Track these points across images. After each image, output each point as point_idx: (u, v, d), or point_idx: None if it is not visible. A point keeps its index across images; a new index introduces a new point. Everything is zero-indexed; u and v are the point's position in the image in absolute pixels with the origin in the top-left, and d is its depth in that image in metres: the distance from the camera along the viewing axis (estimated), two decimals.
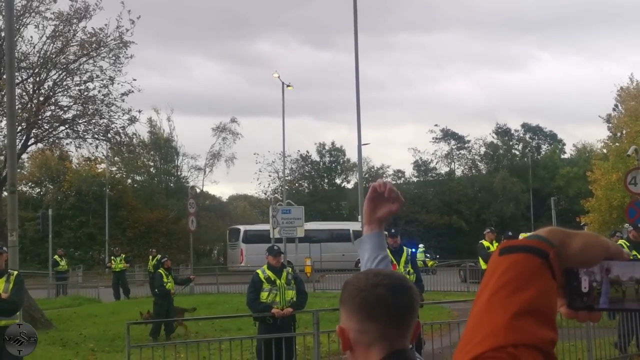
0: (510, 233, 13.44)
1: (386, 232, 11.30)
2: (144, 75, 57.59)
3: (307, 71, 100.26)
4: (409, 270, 11.95)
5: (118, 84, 23.01)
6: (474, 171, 72.20)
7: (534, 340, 1.22)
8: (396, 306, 1.95)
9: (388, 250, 10.75)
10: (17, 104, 17.71)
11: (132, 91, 23.19)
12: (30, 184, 61.18)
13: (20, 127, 20.50)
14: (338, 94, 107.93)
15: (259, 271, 10.92)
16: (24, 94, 22.15)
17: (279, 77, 46.03)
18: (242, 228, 47.38)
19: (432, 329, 12.95)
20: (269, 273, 10.62)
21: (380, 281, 1.97)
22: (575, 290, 1.33)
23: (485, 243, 18.78)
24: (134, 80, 23.32)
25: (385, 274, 2.04)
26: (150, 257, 33.00)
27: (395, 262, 11.50)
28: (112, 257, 32.43)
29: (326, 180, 68.95)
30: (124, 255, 32.24)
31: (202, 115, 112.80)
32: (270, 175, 65.52)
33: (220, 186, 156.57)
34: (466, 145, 71.80)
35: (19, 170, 22.49)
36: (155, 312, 17.71)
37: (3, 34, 19.85)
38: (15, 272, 9.94)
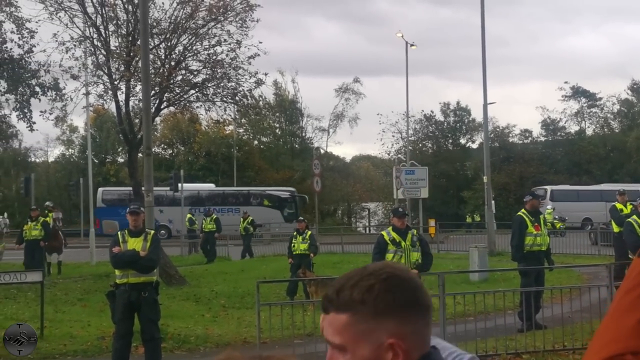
0: None
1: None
2: (264, 37, 58.65)
3: (427, 28, 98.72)
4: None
5: (245, 47, 23.39)
6: (606, 130, 69.23)
7: None
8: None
9: (393, 233, 9.90)
10: (150, 69, 18.35)
11: (258, 54, 23.50)
12: (162, 145, 63.72)
13: (153, 92, 21.26)
14: (459, 51, 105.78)
15: (384, 233, 10.95)
16: (157, 59, 22.89)
17: (402, 36, 45.53)
18: (549, 188, 50.14)
19: (561, 292, 12.64)
20: (394, 235, 10.63)
21: None
22: None
23: (619, 205, 18.08)
24: (260, 43, 23.63)
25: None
26: (242, 219, 31.71)
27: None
28: (203, 218, 31.19)
29: (450, 141, 67.94)
30: (214, 216, 30.94)
31: (324, 76, 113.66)
32: (393, 136, 65.23)
33: (344, 147, 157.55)
34: (598, 102, 68.89)
35: (152, 133, 23.39)
36: (291, 271, 18.16)
37: (137, 1, 20.56)
38: (152, 232, 10.40)
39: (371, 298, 1.59)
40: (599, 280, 15.62)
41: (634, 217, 11.96)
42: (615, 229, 17.81)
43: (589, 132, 69.45)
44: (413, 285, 1.66)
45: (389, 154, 66.33)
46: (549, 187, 50.44)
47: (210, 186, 51.50)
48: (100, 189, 49.68)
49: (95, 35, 22.64)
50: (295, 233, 18.43)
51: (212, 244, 30.05)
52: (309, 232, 18.31)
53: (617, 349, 1.15)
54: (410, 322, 1.63)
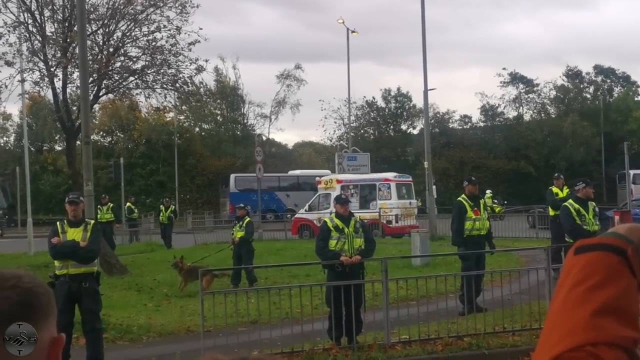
0: (582, 182, 12.76)
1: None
2: (201, 23, 57.80)
3: (365, 13, 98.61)
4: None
5: (185, 33, 23.14)
6: (543, 115, 70.61)
7: (615, 339, 1.19)
8: None
9: (336, 220, 10.14)
10: (88, 55, 17.99)
11: (199, 41, 23.30)
12: (101, 133, 62.60)
13: (91, 78, 20.87)
14: (398, 37, 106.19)
15: (327, 219, 10.99)
16: (95, 45, 22.48)
17: (343, 22, 45.56)
18: (632, 172, 50.50)
19: (501, 275, 12.89)
20: (337, 221, 10.68)
21: None
22: None
23: (554, 189, 18.46)
24: (200, 29, 23.41)
25: None
26: (163, 207, 30.25)
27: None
28: (99, 207, 26.83)
29: (391, 127, 68.49)
30: (111, 205, 28.36)
31: (265, 62, 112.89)
32: (335, 122, 65.59)
33: (286, 134, 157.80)
34: (535, 88, 70.20)
35: (91, 121, 22.96)
36: (233, 259, 18.10)
37: None
38: (92, 221, 10.23)
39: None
40: (537, 262, 15.98)
41: (570, 201, 12.18)
42: (551, 212, 18.22)
43: (527, 117, 70.79)
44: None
45: (331, 141, 66.68)
46: (632, 172, 51.62)
47: (327, 172, 52.18)
48: (232, 175, 51.04)
49: (30, 21, 22.11)
50: (235, 220, 18.36)
51: (109, 236, 26.12)
52: (247, 220, 18.20)
53: (576, 341, 1.19)
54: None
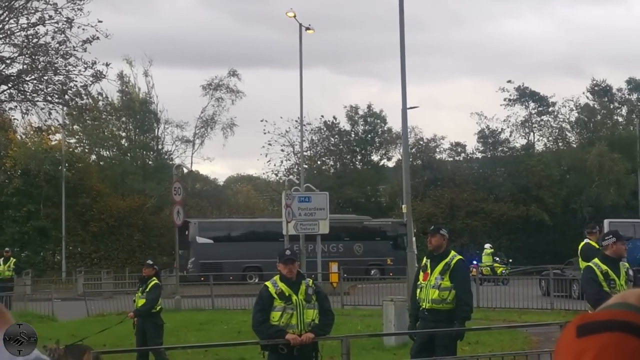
0: (612, 236, 12.67)
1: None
2: (97, 14, 56.45)
3: (319, 4, 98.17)
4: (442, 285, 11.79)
5: (78, 27, 23.10)
6: (560, 144, 71.58)
7: None
8: None
9: (281, 284, 10.15)
10: None
11: (97, 37, 23.28)
12: None
13: None
14: (365, 36, 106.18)
15: (268, 283, 10.89)
16: None
17: (295, 17, 45.86)
18: None
19: None
20: (282, 286, 10.61)
21: None
22: None
23: (594, 243, 17.81)
24: (100, 22, 23.39)
25: None
26: (1, 260, 30.68)
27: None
28: None
29: (359, 157, 68.82)
30: (14, 260, 30.44)
31: (187, 67, 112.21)
32: (283, 150, 65.61)
33: (215, 164, 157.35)
34: (550, 109, 71.07)
35: None
36: (135, 335, 17.81)
37: None
38: None
39: None
40: (551, 343, 16.06)
41: (596, 260, 11.99)
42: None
43: (539, 147, 71.59)
44: None
45: (276, 175, 66.69)
46: None
47: None
48: (606, 221, 51.34)
49: None
50: (138, 283, 18.00)
51: (7, 298, 28.45)
52: (152, 283, 17.90)
53: None
54: None
